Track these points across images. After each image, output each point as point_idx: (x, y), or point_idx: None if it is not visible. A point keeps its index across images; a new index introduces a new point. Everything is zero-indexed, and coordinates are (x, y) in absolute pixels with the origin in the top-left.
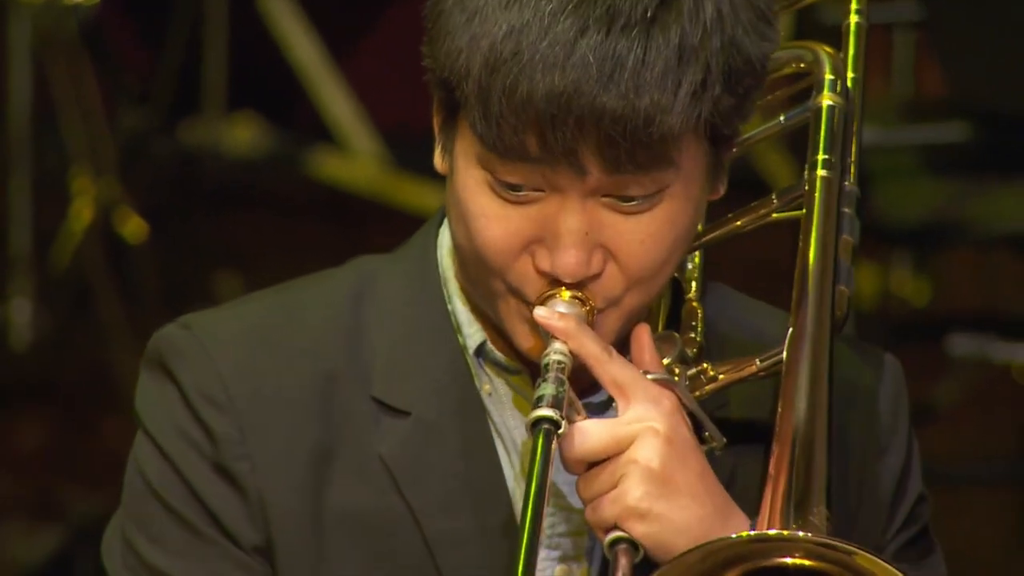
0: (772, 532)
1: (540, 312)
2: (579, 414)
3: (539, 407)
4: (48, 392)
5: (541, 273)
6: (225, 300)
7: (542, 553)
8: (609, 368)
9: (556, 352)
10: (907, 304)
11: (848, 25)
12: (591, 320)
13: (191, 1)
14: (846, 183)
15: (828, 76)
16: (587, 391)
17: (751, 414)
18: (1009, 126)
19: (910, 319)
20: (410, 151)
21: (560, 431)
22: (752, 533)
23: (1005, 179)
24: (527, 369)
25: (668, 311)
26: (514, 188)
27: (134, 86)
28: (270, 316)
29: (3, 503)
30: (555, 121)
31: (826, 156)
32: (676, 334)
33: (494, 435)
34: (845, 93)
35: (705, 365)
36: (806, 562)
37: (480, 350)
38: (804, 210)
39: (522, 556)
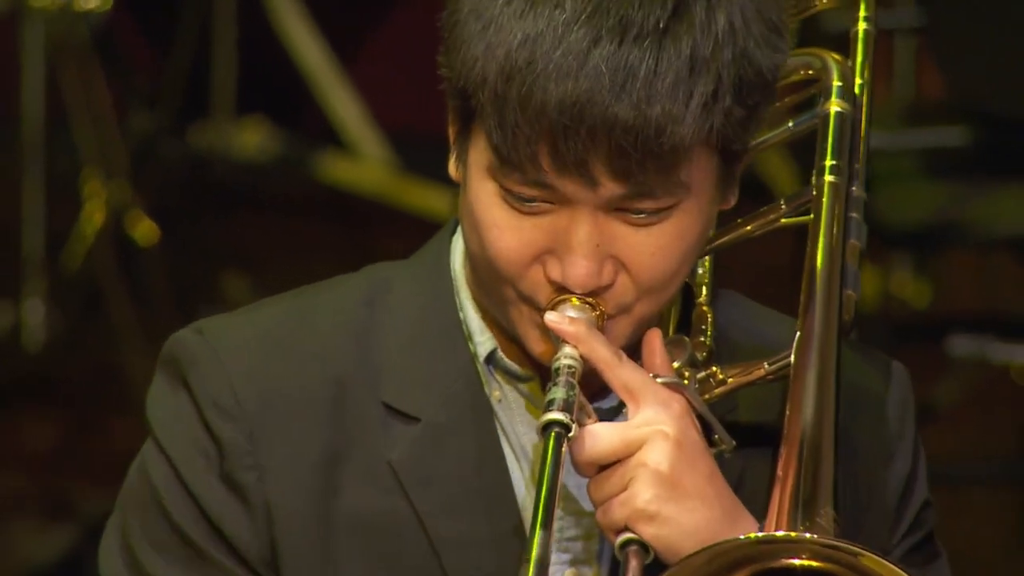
0: (779, 533)
1: (551, 316)
2: (590, 417)
3: (550, 410)
4: (59, 392)
5: (552, 282)
6: (233, 301)
7: (552, 557)
8: (619, 372)
9: (566, 356)
10: (908, 305)
11: (856, 32)
12: (601, 325)
13: (200, 6)
14: (854, 188)
15: (836, 83)
16: (597, 396)
17: (759, 417)
18: (1008, 129)
19: (911, 320)
20: (415, 153)
21: (571, 434)
22: (759, 535)
23: (1004, 182)
24: (537, 376)
25: (679, 316)
26: (527, 199)
27: (144, 90)
28: (282, 321)
29: (14, 502)
30: (567, 132)
31: (834, 162)
32: (686, 338)
33: (503, 442)
34: (853, 99)
35: (714, 368)
36: (813, 563)
37: (491, 357)
38: (812, 215)
39: (532, 559)
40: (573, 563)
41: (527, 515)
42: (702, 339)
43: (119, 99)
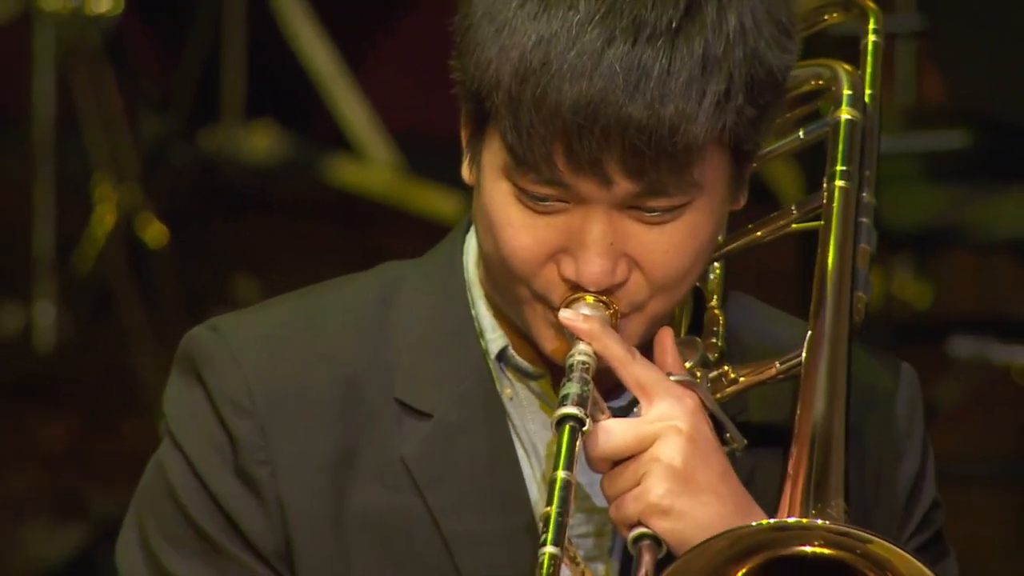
0: (791, 520)
1: (565, 314)
2: (603, 413)
3: (564, 405)
4: (70, 393)
5: (566, 281)
6: (242, 303)
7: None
8: (632, 369)
9: (580, 353)
10: (909, 307)
11: (866, 44)
12: (615, 323)
13: (210, 12)
14: (864, 194)
15: (846, 91)
16: (610, 394)
17: (770, 417)
18: (1008, 133)
19: (912, 321)
20: (423, 157)
21: (584, 428)
22: (773, 520)
23: (1005, 185)
24: (549, 374)
25: (690, 319)
26: (541, 199)
27: (155, 95)
28: (295, 319)
29: (26, 501)
30: (581, 131)
31: (844, 167)
32: (698, 339)
33: (514, 439)
34: (863, 108)
35: (726, 368)
36: (825, 550)
37: (502, 355)
38: (823, 220)
39: (547, 554)
40: (585, 559)
41: (538, 511)
42: (713, 340)
43: (129, 103)
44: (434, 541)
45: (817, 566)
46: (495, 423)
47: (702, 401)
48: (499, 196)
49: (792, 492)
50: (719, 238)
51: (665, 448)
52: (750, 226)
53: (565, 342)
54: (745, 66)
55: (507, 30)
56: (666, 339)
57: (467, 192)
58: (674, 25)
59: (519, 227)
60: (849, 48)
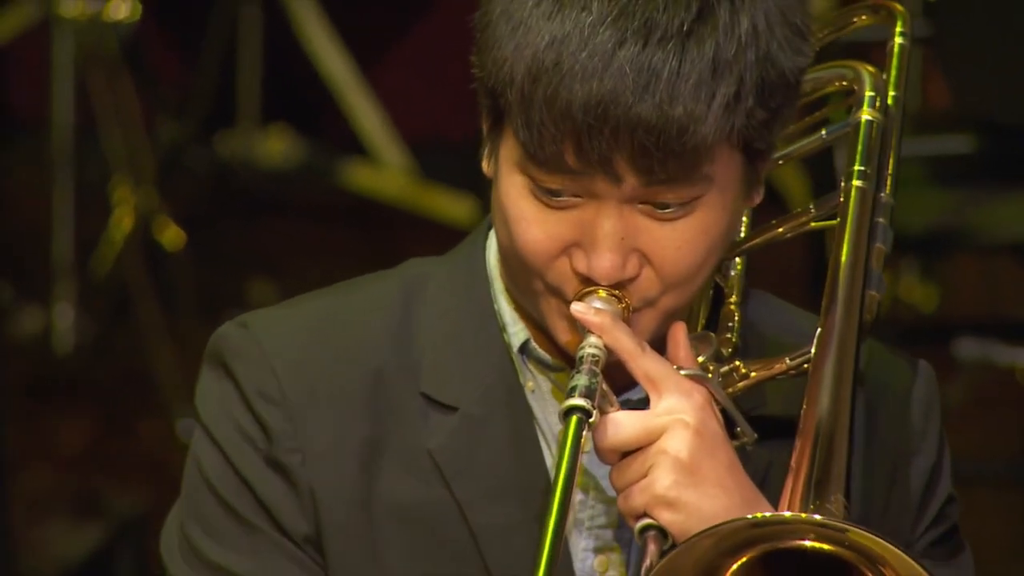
0: (774, 515)
1: (577, 307)
2: (612, 406)
3: (571, 396)
4: (89, 394)
5: (578, 274)
6: (258, 305)
7: (580, 543)
8: (642, 362)
9: (591, 346)
10: (915, 309)
11: (892, 47)
12: (627, 317)
13: (227, 17)
14: (882, 195)
15: (868, 93)
16: (624, 388)
17: (787, 412)
18: (1013, 137)
19: (918, 324)
20: (436, 161)
21: (591, 420)
22: (754, 516)
23: (1009, 188)
24: (568, 367)
25: (707, 315)
26: (554, 193)
27: (172, 100)
28: (323, 315)
29: (45, 501)
30: (591, 131)
31: (862, 168)
32: (712, 334)
33: (537, 430)
34: (885, 109)
35: (738, 363)
36: (819, 545)
37: (524, 348)
38: (838, 218)
39: (547, 544)
40: (601, 550)
41: None
42: (728, 335)
43: (147, 108)
44: (461, 532)
45: (816, 561)
46: (518, 416)
47: (712, 395)
48: (514, 190)
49: (793, 486)
50: (737, 235)
51: (672, 441)
52: (772, 222)
53: (578, 334)
54: (757, 69)
55: (522, 29)
56: (678, 333)
57: (480, 196)
58: (685, 28)
59: (532, 220)
60: (858, 56)
